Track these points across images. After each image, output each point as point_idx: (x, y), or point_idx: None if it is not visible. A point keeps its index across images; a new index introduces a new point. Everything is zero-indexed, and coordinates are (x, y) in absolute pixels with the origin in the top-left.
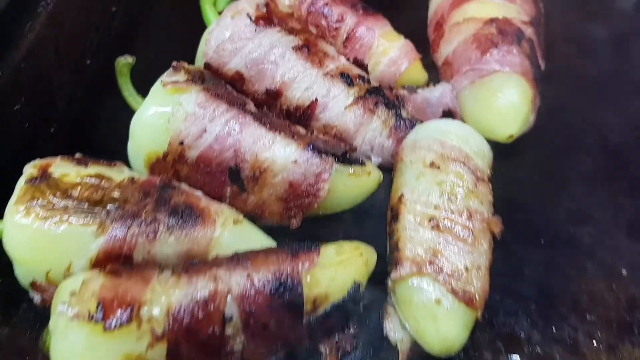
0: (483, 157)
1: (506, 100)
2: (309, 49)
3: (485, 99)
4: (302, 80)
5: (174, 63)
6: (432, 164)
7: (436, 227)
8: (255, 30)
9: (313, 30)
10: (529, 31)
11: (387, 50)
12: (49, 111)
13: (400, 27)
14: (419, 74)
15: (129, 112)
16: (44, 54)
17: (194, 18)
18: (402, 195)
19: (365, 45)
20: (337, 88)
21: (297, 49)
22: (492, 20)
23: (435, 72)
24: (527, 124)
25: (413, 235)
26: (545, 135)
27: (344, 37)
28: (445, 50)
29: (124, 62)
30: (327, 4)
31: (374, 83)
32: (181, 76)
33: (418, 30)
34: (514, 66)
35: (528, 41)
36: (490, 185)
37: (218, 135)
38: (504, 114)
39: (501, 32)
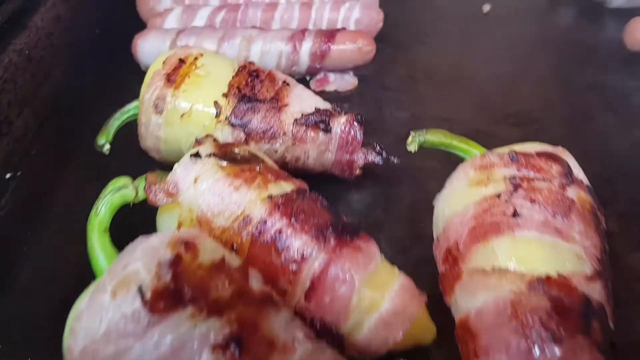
0: None
1: None
2: (240, 346)
3: None
4: None
5: None
6: None
7: None
8: (149, 321)
9: (256, 284)
10: (597, 290)
11: (374, 304)
12: None
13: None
14: (424, 330)
15: None
16: None
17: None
18: None
19: (338, 300)
20: None
21: (220, 347)
22: (540, 282)
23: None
24: None
25: None
26: None
27: (307, 285)
28: (463, 303)
29: None
30: (280, 231)
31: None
32: None
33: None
34: None
35: (598, 315)
36: None
37: None
38: None
39: (558, 308)
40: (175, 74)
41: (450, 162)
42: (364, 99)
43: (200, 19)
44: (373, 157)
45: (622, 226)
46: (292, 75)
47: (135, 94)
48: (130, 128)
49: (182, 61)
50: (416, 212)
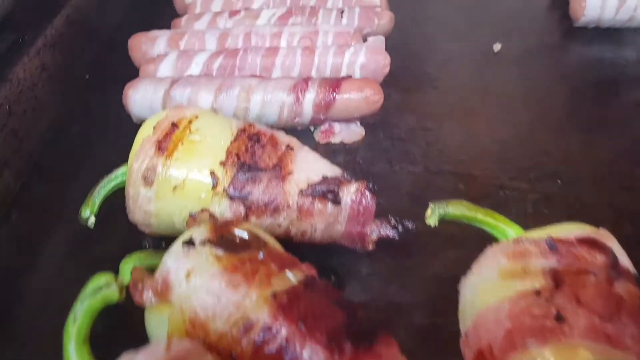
0: None
1: None
2: None
3: None
4: None
5: None
6: None
7: None
8: None
9: None
10: None
11: None
12: None
13: None
14: None
15: None
16: None
17: None
18: None
19: None
20: None
21: None
22: None
23: None
24: None
25: None
26: None
27: None
28: None
29: None
30: (286, 340)
31: None
32: None
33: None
34: None
35: None
36: None
37: None
38: None
39: None
40: (167, 141)
41: (471, 228)
42: (372, 151)
43: (196, 66)
44: (388, 232)
45: None
46: (294, 126)
47: (126, 151)
48: (120, 195)
49: (174, 125)
50: (436, 288)
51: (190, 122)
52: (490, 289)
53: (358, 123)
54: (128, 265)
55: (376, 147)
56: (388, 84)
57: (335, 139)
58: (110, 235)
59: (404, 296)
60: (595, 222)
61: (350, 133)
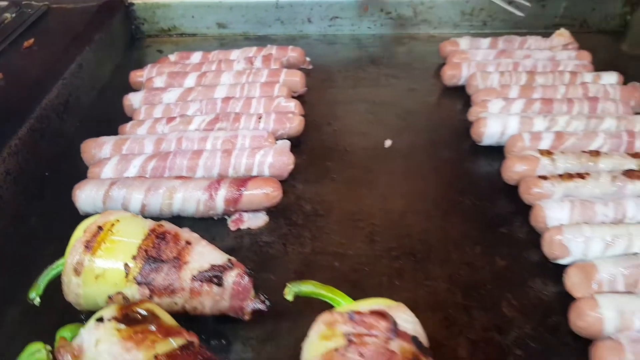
0: None
1: None
2: None
3: None
4: None
5: None
6: None
7: None
8: None
9: None
10: None
11: None
12: None
13: None
14: None
15: None
16: None
17: None
18: None
19: None
20: None
21: None
22: None
23: None
24: None
25: None
26: None
27: None
28: None
29: None
30: None
31: None
32: None
33: None
34: None
35: None
36: None
37: None
38: None
39: None
40: (93, 241)
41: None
42: (273, 235)
43: (133, 168)
44: (259, 305)
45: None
46: (210, 216)
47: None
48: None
49: (100, 228)
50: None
51: (112, 225)
52: (313, 348)
53: (264, 212)
54: (60, 334)
55: (276, 231)
56: (294, 177)
57: (244, 226)
58: (53, 311)
59: (276, 354)
60: (434, 291)
61: (256, 220)
